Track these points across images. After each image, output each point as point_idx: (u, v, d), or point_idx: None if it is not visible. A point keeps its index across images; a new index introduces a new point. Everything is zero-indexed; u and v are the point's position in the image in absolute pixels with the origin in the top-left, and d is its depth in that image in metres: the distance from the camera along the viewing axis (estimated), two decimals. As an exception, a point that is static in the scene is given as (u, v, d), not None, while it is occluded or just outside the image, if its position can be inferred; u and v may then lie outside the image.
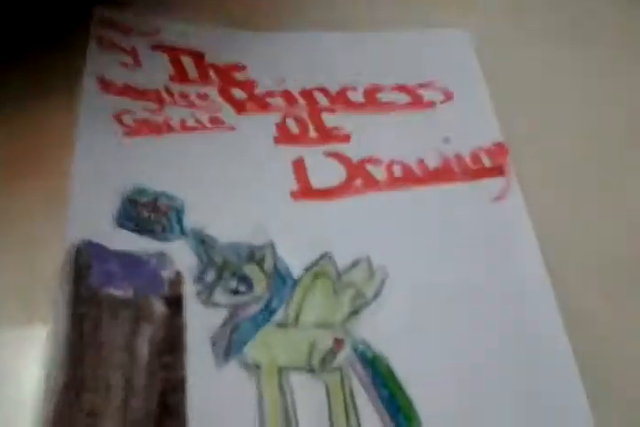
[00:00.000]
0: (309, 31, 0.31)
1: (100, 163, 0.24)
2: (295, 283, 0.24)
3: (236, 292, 0.23)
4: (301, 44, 0.31)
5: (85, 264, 0.21)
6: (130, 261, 0.22)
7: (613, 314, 0.24)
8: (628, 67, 0.32)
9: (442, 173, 0.27)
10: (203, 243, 0.24)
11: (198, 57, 0.30)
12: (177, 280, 0.23)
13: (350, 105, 0.29)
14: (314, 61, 0.31)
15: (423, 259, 0.25)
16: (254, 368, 0.22)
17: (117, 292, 0.21)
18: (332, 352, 0.22)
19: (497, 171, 0.27)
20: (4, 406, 0.19)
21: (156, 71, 0.28)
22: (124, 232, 0.23)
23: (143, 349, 0.20)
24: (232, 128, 0.28)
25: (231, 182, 0.26)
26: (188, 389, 0.20)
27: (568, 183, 0.27)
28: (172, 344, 0.21)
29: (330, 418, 0.21)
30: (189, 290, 0.23)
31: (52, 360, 0.19)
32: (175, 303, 0.22)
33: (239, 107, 0.28)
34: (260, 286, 0.24)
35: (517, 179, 0.27)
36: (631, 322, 0.24)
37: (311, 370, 0.22)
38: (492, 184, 0.27)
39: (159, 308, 0.22)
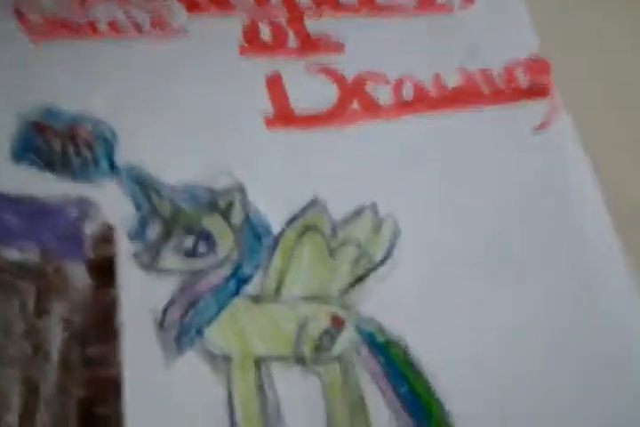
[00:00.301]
0: None
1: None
2: (275, 241, 0.18)
3: (192, 253, 0.17)
4: None
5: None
6: (34, 211, 0.16)
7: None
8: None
9: (465, 95, 0.21)
10: (142, 185, 0.18)
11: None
12: (106, 237, 0.16)
13: (340, 7, 0.23)
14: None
15: (444, 209, 0.19)
16: (221, 360, 0.16)
17: (15, 253, 0.15)
18: (330, 335, 0.17)
19: (538, 91, 0.21)
20: None
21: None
22: (25, 171, 0.16)
23: (55, 336, 0.14)
24: (182, 32, 0.21)
25: (181, 105, 0.20)
26: (126, 394, 0.14)
27: (618, 104, 0.22)
28: (99, 330, 0.15)
29: (328, 424, 0.15)
30: (124, 251, 0.16)
31: None
32: (103, 270, 0.16)
33: (192, 5, 0.21)
34: (226, 244, 0.17)
35: (563, 101, 0.21)
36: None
37: (301, 360, 0.16)
38: (533, 108, 0.21)
39: (79, 277, 0.15)
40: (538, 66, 0.23)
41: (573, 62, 0.24)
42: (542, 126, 0.22)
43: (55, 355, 0.14)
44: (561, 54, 0.23)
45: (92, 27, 0.20)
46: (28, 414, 0.13)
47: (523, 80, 0.23)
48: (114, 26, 0.21)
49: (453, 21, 0.24)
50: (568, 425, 0.16)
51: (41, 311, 0.15)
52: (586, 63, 0.24)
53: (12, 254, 0.15)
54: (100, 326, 0.15)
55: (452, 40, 0.24)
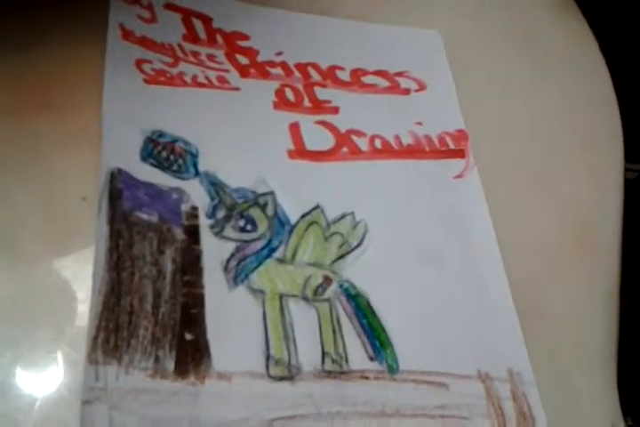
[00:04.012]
0: (308, 13, 0.37)
1: (125, 103, 0.29)
2: (292, 228, 0.29)
3: (242, 229, 0.28)
4: (301, 23, 0.36)
5: (118, 188, 0.26)
6: (154, 192, 0.26)
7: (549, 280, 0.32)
8: (563, 72, 0.40)
9: (414, 150, 0.34)
10: (214, 185, 0.29)
11: (207, 21, 0.34)
12: (193, 213, 0.27)
13: (338, 82, 0.35)
14: (308, 40, 0.36)
15: (396, 219, 0.32)
16: (259, 293, 0.27)
17: (144, 216, 0.25)
18: (322, 286, 0.28)
19: (459, 153, 0.35)
20: (61, 299, 0.23)
21: (170, 28, 0.33)
22: (148, 167, 0.27)
23: (168, 266, 0.25)
24: (237, 89, 0.33)
25: (237, 136, 0.31)
26: (206, 304, 0.25)
27: (516, 167, 0.35)
28: (191, 266, 0.26)
29: (320, 339, 0.27)
30: (204, 223, 0.27)
31: (99, 264, 0.23)
32: (192, 233, 0.27)
33: (243, 71, 0.33)
34: (263, 226, 0.29)
35: (475, 161, 0.34)
36: (564, 288, 0.32)
37: (305, 298, 0.28)
38: (455, 164, 0.34)
39: (179, 234, 0.26)
40: (460, 136, 0.37)
41: (487, 133, 0.37)
42: (459, 176, 0.35)
43: (168, 277, 0.25)
44: (478, 127, 0.37)
45: (181, 78, 0.32)
46: (156, 307, 0.24)
47: (450, 144, 0.36)
48: (194, 79, 0.32)
49: (410, 101, 0.38)
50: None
51: (160, 251, 0.25)
52: (495, 135, 0.38)
53: (144, 216, 0.26)
54: (191, 264, 0.26)
55: (408, 114, 0.37)
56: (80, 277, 0.25)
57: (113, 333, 0.23)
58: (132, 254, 0.25)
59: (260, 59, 0.35)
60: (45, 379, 0.22)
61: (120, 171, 0.27)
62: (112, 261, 0.25)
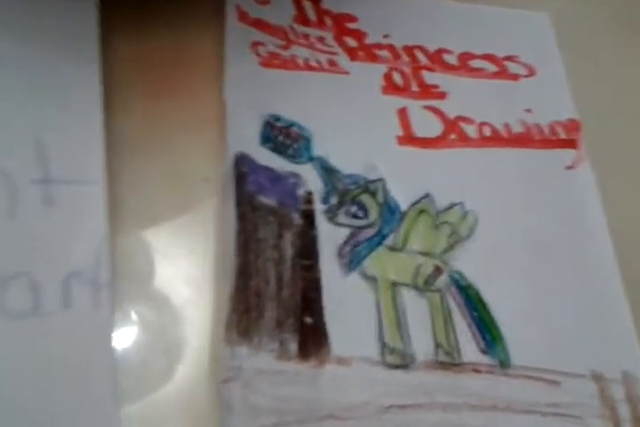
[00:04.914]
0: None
1: (245, 87, 0.29)
2: (402, 215, 0.30)
3: (354, 216, 0.29)
4: (407, 4, 0.36)
5: (242, 172, 0.26)
6: (273, 176, 0.27)
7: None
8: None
9: (524, 139, 0.34)
10: (327, 170, 0.29)
11: (316, 2, 0.34)
12: (309, 198, 0.28)
13: (446, 66, 0.35)
14: (415, 22, 0.36)
15: (506, 209, 0.31)
16: (372, 280, 0.28)
17: (266, 200, 0.26)
18: (433, 276, 0.28)
19: (570, 143, 0.34)
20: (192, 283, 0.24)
21: (281, 10, 0.33)
22: (266, 151, 0.28)
23: (288, 250, 0.26)
24: (346, 72, 0.33)
25: (347, 121, 0.32)
26: (323, 289, 0.26)
27: (633, 162, 0.34)
28: (308, 251, 0.27)
29: (432, 329, 0.27)
30: (318, 208, 0.28)
31: (229, 247, 0.24)
32: (308, 217, 0.27)
33: (352, 54, 0.34)
34: (374, 213, 0.29)
35: (587, 153, 0.34)
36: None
37: (416, 287, 0.28)
38: (566, 154, 0.34)
39: (297, 219, 0.27)
40: (572, 125, 0.36)
41: (599, 125, 0.36)
42: (571, 167, 0.34)
43: (288, 261, 0.26)
44: (590, 118, 0.37)
45: (294, 61, 0.32)
46: (280, 290, 0.25)
47: (561, 134, 0.36)
48: (306, 62, 0.32)
49: (520, 87, 0.37)
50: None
51: (280, 235, 0.26)
52: (610, 126, 0.37)
53: (265, 200, 0.26)
54: (307, 248, 0.27)
55: (518, 101, 0.36)
56: (199, 253, 0.26)
57: (244, 314, 0.24)
58: (256, 238, 0.26)
59: (367, 41, 0.35)
60: (180, 358, 0.24)
61: (243, 155, 0.27)
62: (240, 244, 0.26)
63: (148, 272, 0.26)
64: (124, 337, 0.25)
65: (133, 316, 0.25)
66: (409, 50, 0.35)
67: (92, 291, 0.22)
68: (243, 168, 0.27)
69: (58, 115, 0.26)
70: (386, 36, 0.35)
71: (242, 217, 0.26)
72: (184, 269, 0.27)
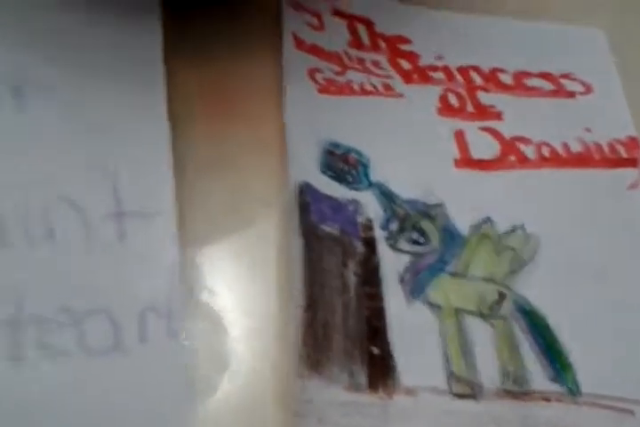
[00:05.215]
0: (468, 13, 0.36)
1: (303, 114, 0.30)
2: (463, 240, 0.29)
3: (415, 242, 0.29)
4: (461, 24, 0.36)
5: (305, 202, 0.27)
6: (334, 205, 0.27)
7: None
8: None
9: (584, 158, 0.33)
10: (386, 196, 0.30)
11: (370, 25, 0.35)
12: (369, 225, 0.28)
13: (501, 86, 0.35)
14: (468, 42, 0.36)
15: (569, 232, 0.31)
16: (436, 307, 0.27)
17: (329, 229, 0.27)
18: (498, 303, 0.28)
19: (631, 162, 0.34)
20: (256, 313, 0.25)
21: (336, 35, 0.33)
22: (327, 179, 0.28)
23: (351, 278, 0.26)
24: (401, 95, 0.33)
25: (403, 144, 0.32)
26: (387, 317, 0.26)
27: None
28: (371, 279, 0.27)
29: (499, 357, 0.27)
30: (379, 235, 0.28)
31: (297, 278, 0.25)
32: (370, 244, 0.27)
33: (406, 77, 0.34)
34: (435, 239, 0.29)
35: (648, 171, 0.33)
36: None
37: (481, 314, 0.28)
38: (627, 173, 0.33)
39: (359, 247, 0.27)
40: (632, 143, 0.36)
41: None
42: (632, 187, 0.34)
43: (352, 290, 0.26)
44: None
45: (349, 87, 0.33)
46: (345, 320, 0.25)
47: (622, 153, 0.35)
48: (362, 87, 0.33)
49: (577, 105, 0.37)
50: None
51: (344, 264, 0.26)
52: None
53: (328, 229, 0.27)
54: (371, 276, 0.27)
55: (576, 119, 0.36)
56: (261, 282, 0.27)
57: (314, 347, 0.24)
58: (322, 268, 0.26)
59: (421, 63, 0.35)
60: (250, 389, 0.24)
61: (306, 184, 0.28)
62: (307, 275, 0.26)
63: (210, 301, 0.27)
64: (193, 367, 0.25)
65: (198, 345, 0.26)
66: (463, 70, 0.35)
67: (167, 322, 0.23)
68: (306, 198, 0.27)
69: (128, 145, 0.27)
70: (439, 58, 0.35)
71: (307, 247, 0.26)
72: (247, 298, 0.27)
